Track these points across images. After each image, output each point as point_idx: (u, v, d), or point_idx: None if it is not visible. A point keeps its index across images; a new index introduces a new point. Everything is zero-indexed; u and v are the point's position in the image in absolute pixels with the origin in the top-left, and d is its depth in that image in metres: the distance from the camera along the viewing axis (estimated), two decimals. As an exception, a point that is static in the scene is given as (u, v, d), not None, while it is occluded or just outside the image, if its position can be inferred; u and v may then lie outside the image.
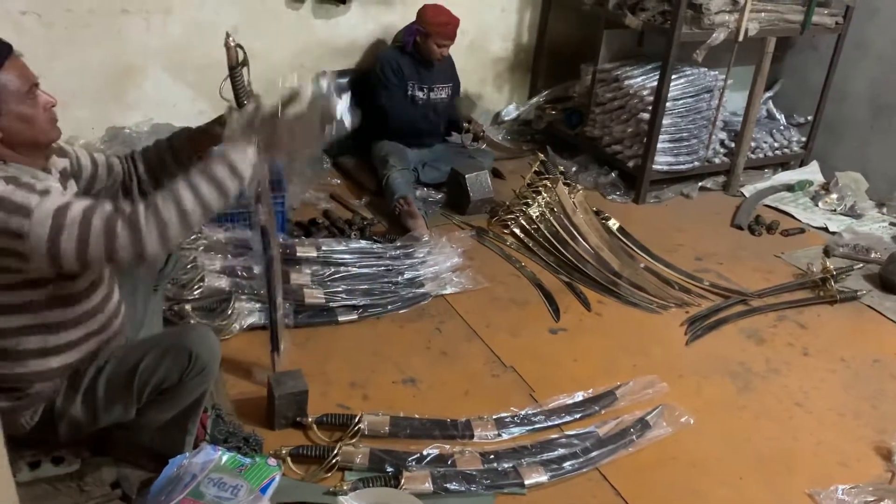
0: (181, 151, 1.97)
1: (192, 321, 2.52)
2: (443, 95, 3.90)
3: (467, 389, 2.48)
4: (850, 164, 4.32)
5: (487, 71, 4.61)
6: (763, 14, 3.86)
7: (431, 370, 2.55)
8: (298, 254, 2.91)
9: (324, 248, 2.99)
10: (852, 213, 4.02)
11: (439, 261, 3.11)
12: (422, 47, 3.73)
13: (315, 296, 2.76)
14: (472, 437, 2.24)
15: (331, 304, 2.76)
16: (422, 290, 2.95)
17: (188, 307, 2.55)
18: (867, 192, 4.18)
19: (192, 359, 1.73)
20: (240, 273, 2.73)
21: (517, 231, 3.48)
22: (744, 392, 2.60)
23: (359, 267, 2.96)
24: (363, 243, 3.11)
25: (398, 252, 3.11)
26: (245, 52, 1.94)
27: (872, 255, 3.51)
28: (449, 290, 2.99)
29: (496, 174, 3.99)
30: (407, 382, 2.48)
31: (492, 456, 2.16)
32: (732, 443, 2.35)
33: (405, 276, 2.99)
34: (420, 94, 3.82)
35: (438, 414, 2.31)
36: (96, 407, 1.74)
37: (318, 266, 2.90)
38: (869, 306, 3.19)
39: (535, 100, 4.63)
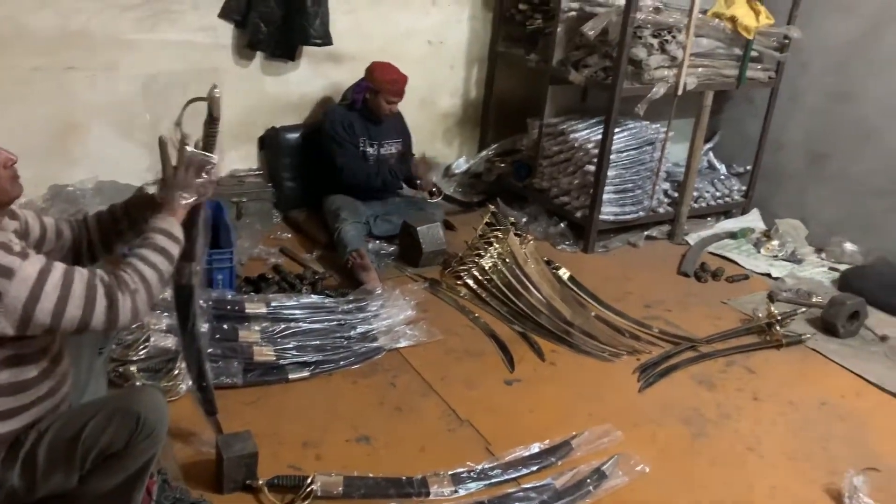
0: (138, 216, 1.94)
1: (138, 382, 2.44)
2: (392, 150, 3.94)
3: (423, 445, 2.44)
4: (790, 212, 4.47)
5: (438, 126, 4.69)
6: (700, 69, 4.02)
7: (386, 427, 2.51)
8: (247, 310, 2.86)
9: (274, 303, 2.95)
10: (793, 258, 4.15)
11: (392, 314, 3.09)
12: (371, 104, 3.77)
13: (265, 353, 2.70)
14: (428, 494, 2.20)
15: (281, 362, 2.70)
16: (375, 345, 2.92)
17: (133, 368, 2.47)
18: (806, 238, 4.32)
19: (139, 422, 1.67)
20: (178, 333, 2.66)
21: (470, 282, 3.49)
22: (698, 438, 2.62)
23: (310, 322, 2.92)
24: (314, 298, 3.08)
25: (350, 306, 3.09)
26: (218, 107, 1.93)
27: (814, 300, 3.62)
28: (403, 344, 2.97)
29: (448, 226, 4.02)
30: (361, 440, 2.43)
31: (448, 514, 2.12)
32: (688, 490, 2.35)
33: (358, 331, 2.96)
34: (370, 150, 3.85)
35: (394, 472, 2.26)
36: (35, 476, 1.66)
37: (267, 322, 2.85)
38: (813, 349, 3.27)
39: (484, 153, 4.70)
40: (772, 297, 3.66)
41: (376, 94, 3.73)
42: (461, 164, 4.76)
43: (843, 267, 4.03)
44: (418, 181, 4.01)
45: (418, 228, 3.62)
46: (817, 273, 4.02)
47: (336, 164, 3.76)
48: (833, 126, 4.28)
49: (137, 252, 1.67)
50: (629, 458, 2.42)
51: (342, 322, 2.98)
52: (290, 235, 3.88)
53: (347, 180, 3.77)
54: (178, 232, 1.76)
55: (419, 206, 3.96)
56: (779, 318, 3.31)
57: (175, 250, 1.73)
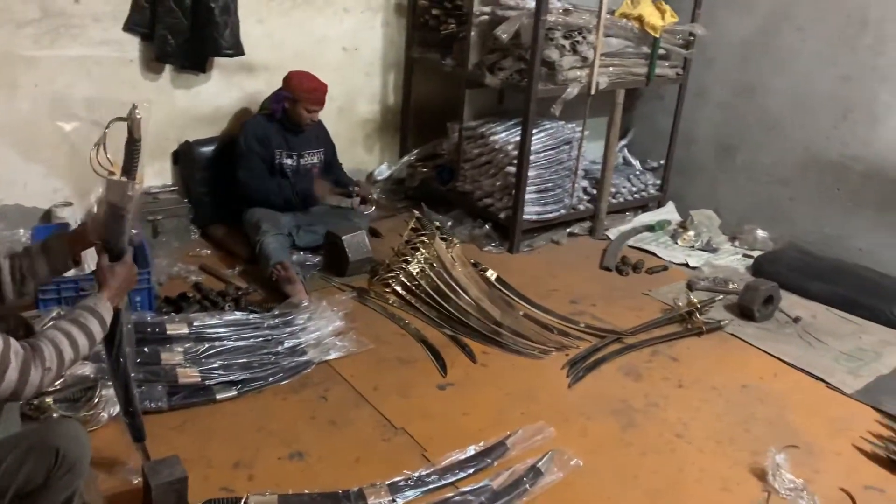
0: (56, 258, 1.88)
1: (55, 415, 2.33)
2: (314, 161, 3.89)
3: (358, 457, 2.42)
4: (703, 203, 4.63)
5: (357, 133, 4.66)
6: (611, 68, 4.13)
7: (319, 441, 2.47)
8: (169, 332, 2.77)
9: (196, 323, 2.86)
10: (709, 248, 4.30)
11: (321, 326, 3.05)
12: (291, 114, 3.71)
13: (189, 375, 2.62)
14: (365, 506, 2.18)
15: (207, 382, 2.63)
16: (304, 358, 2.87)
17: (49, 400, 2.35)
18: (720, 227, 4.48)
19: (58, 456, 1.60)
20: (104, 358, 2.56)
21: (398, 289, 3.47)
22: (627, 429, 2.68)
23: (235, 340, 2.85)
24: (239, 314, 3.01)
25: (277, 321, 3.03)
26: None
27: (730, 286, 3.75)
28: (333, 356, 2.93)
29: (373, 233, 4.00)
30: (294, 457, 2.39)
31: (387, 524, 2.10)
32: (621, 480, 2.40)
33: (286, 345, 2.90)
34: (289, 162, 3.79)
35: (329, 486, 2.23)
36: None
37: (190, 343, 2.77)
38: (732, 335, 3.39)
39: (406, 158, 4.70)
40: (690, 287, 3.78)
41: (295, 103, 3.68)
42: (383, 171, 4.74)
43: (755, 253, 4.20)
44: (355, 188, 3.97)
45: (343, 237, 3.58)
46: (732, 261, 4.18)
47: (237, 177, 3.69)
48: (739, 119, 4.47)
49: (63, 327, 1.66)
50: (563, 453, 2.45)
51: (269, 337, 2.92)
52: (209, 252, 3.78)
53: (246, 195, 3.70)
54: (108, 316, 1.77)
55: (343, 214, 3.92)
56: (698, 306, 3.43)
57: (100, 335, 1.74)
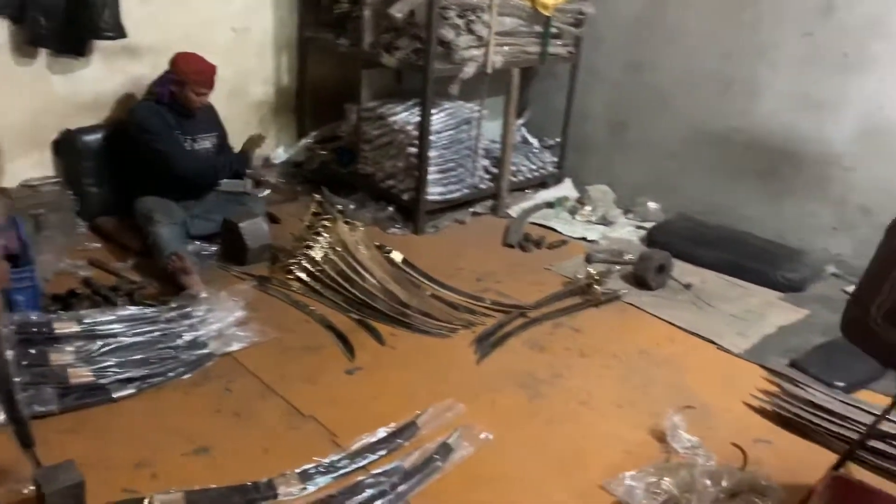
0: None
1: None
2: (207, 145, 3.75)
3: (266, 447, 2.37)
4: (599, 178, 4.76)
5: (251, 116, 4.53)
6: (506, 48, 4.16)
7: (225, 434, 2.41)
8: (57, 331, 2.62)
9: (87, 320, 2.72)
10: (605, 221, 4.43)
11: (221, 317, 2.96)
12: (179, 97, 3.56)
13: (81, 374, 2.49)
14: (275, 496, 2.13)
15: (102, 381, 2.50)
16: (205, 351, 2.78)
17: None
18: (615, 201, 4.63)
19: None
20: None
21: (302, 275, 3.41)
22: (534, 400, 2.74)
23: (131, 336, 2.73)
24: (133, 309, 2.88)
25: (174, 314, 2.92)
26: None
27: (626, 257, 3.89)
28: (235, 347, 2.85)
29: (272, 219, 3.90)
30: (199, 452, 2.32)
31: (299, 512, 2.08)
32: (530, 451, 2.46)
33: (185, 339, 2.80)
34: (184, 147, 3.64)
35: (238, 479, 2.18)
36: None
37: (82, 341, 2.62)
38: (629, 303, 3.52)
39: (304, 141, 4.61)
40: (589, 259, 3.90)
41: (183, 86, 3.53)
42: (281, 154, 4.64)
43: (648, 225, 4.37)
44: (247, 171, 3.86)
45: (241, 224, 3.49)
46: (627, 232, 4.33)
47: (160, 152, 3.49)
48: (630, 96, 4.61)
49: None
50: (473, 428, 2.49)
51: (166, 332, 2.81)
52: (99, 245, 3.60)
53: (177, 168, 3.53)
54: None
55: (239, 200, 3.81)
56: (597, 277, 3.54)
57: None
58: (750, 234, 4.11)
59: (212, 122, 3.81)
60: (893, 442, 2.39)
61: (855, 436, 2.44)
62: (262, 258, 3.55)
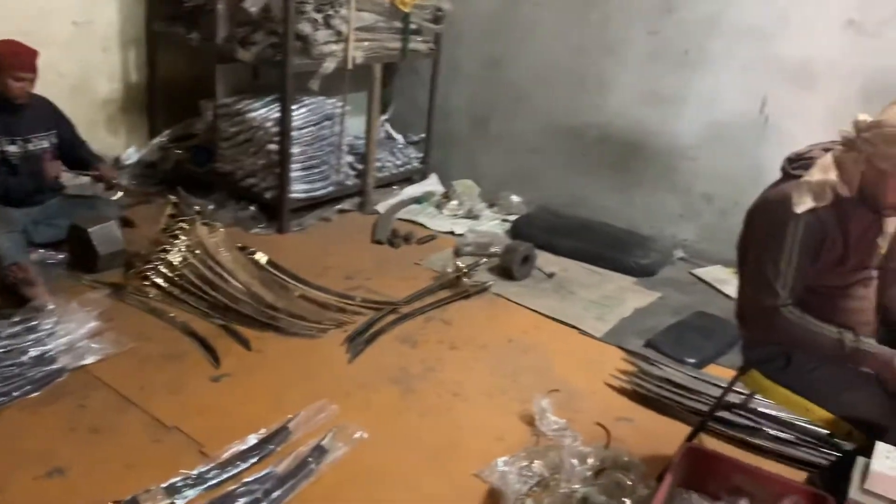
0: None
1: None
2: (45, 144, 3.43)
3: (128, 463, 2.24)
4: (463, 173, 4.85)
5: (98, 114, 4.26)
6: (366, 43, 4.14)
7: (82, 453, 2.26)
8: None
9: (-85, 340, 2.47)
10: (471, 215, 4.52)
11: (71, 329, 2.77)
12: None
13: None
14: (140, 514, 2.03)
15: (-65, 407, 2.28)
16: (55, 367, 2.59)
17: None
18: (480, 195, 4.72)
19: None
20: None
21: (160, 281, 3.24)
22: (407, 395, 2.75)
23: (-33, 355, 2.50)
24: (-31, 326, 2.64)
25: (18, 328, 2.71)
26: None
27: (492, 250, 3.98)
28: (89, 360, 2.68)
29: (125, 223, 3.68)
30: (54, 474, 2.16)
31: (167, 529, 1.98)
32: (405, 445, 2.47)
33: (31, 355, 2.60)
34: (13, 149, 3.31)
35: (98, 499, 2.05)
36: None
37: None
38: (497, 294, 3.61)
39: (156, 140, 4.40)
40: (457, 253, 3.96)
41: None
42: (132, 154, 4.39)
43: (512, 217, 4.49)
44: (96, 172, 3.56)
45: (90, 230, 3.27)
46: (493, 225, 4.44)
47: None
48: (490, 92, 4.72)
49: None
50: (347, 428, 2.46)
51: (9, 348, 2.60)
52: (-75, 257, 3.26)
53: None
54: None
55: (87, 204, 3.55)
56: (465, 270, 3.60)
57: None
58: (605, 224, 4.32)
59: (48, 119, 3.46)
60: (739, 412, 2.59)
61: (705, 408, 2.62)
62: (114, 265, 3.35)
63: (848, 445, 2.10)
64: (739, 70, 3.85)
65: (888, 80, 3.41)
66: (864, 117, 1.85)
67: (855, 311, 2.01)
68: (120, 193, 3.77)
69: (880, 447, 1.66)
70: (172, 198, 3.62)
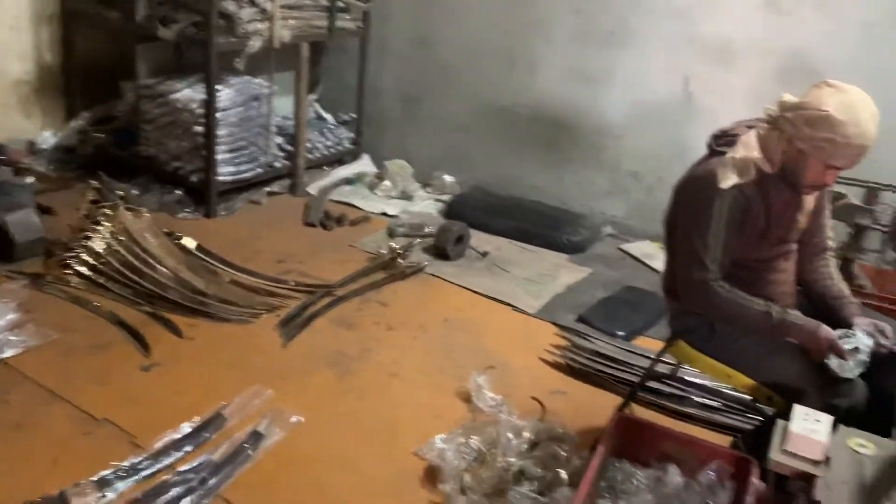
0: None
1: None
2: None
3: (55, 458, 2.18)
4: (396, 153, 4.82)
5: (9, 97, 4.06)
6: (292, 21, 4.06)
7: (4, 450, 2.18)
8: None
9: None
10: (405, 196, 4.51)
11: (-11, 322, 2.65)
12: None
13: None
14: (70, 510, 1.97)
15: None
16: (-29, 361, 2.48)
17: None
18: (413, 175, 4.71)
19: None
20: None
21: (83, 269, 3.13)
22: (344, 377, 2.75)
23: None
24: None
25: (-71, 323, 2.57)
26: None
27: (426, 230, 3.99)
28: (9, 353, 2.58)
29: (44, 210, 3.53)
30: (-27, 474, 2.08)
31: (99, 523, 1.94)
32: (343, 427, 2.47)
33: (-55, 350, 2.48)
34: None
35: (24, 497, 1.98)
36: None
37: None
38: (432, 274, 3.62)
39: (74, 123, 4.22)
40: (391, 234, 3.95)
41: None
42: (48, 138, 4.21)
43: (446, 197, 4.50)
44: (2, 157, 3.41)
45: (7, 218, 3.14)
46: (426, 206, 4.44)
47: None
48: (420, 71, 4.69)
49: None
50: (283, 412, 2.44)
51: (-79, 343, 2.47)
52: None
53: None
54: None
55: (3, 190, 3.39)
56: (399, 251, 3.60)
57: None
58: (537, 202, 4.37)
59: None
60: (667, 381, 2.68)
61: (635, 379, 2.70)
62: (33, 253, 3.22)
63: (769, 410, 2.20)
64: (663, 49, 3.93)
65: (803, 58, 3.55)
66: (789, 97, 1.91)
67: (777, 283, 2.10)
68: (31, 178, 3.60)
69: (798, 410, 1.74)
70: (94, 183, 3.49)
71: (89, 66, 4.27)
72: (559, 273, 3.76)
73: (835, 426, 1.71)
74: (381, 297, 3.36)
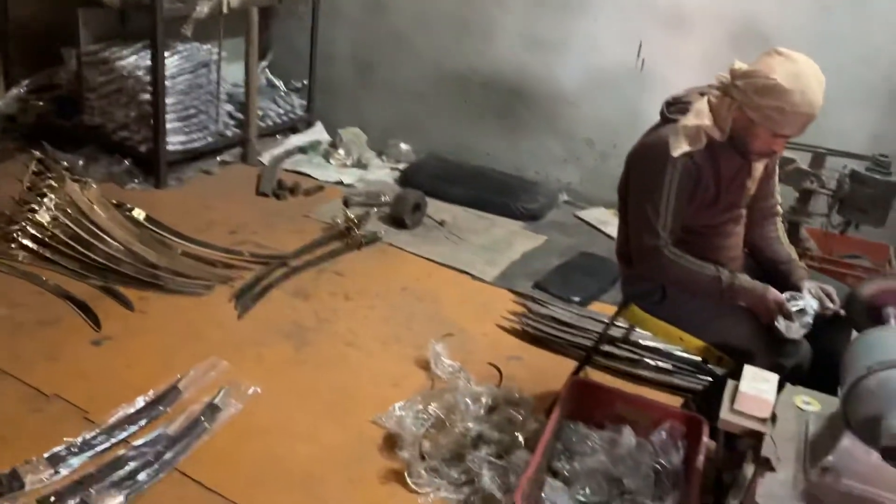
0: None
1: None
2: None
3: (4, 436, 2.13)
4: (350, 121, 4.75)
5: (-58, 63, 3.88)
6: (242, -14, 3.96)
7: (-51, 431, 2.12)
8: None
9: None
10: (360, 164, 4.46)
11: (-71, 298, 2.56)
12: None
13: None
14: (22, 486, 1.95)
15: None
16: (-88, 339, 2.40)
17: None
18: (368, 143, 4.66)
19: None
20: None
21: (28, 243, 3.04)
22: (301, 348, 2.73)
23: None
24: None
25: None
26: None
27: (383, 199, 3.96)
28: (-48, 330, 2.50)
29: (-17, 183, 3.42)
30: (-82, 455, 2.02)
31: (52, 499, 1.91)
32: (301, 398, 2.46)
33: None
34: None
35: (-29, 477, 1.94)
36: None
37: None
38: (389, 244, 3.60)
39: (13, 91, 4.05)
40: (346, 203, 3.91)
41: None
42: (-14, 108, 4.04)
43: (401, 166, 4.47)
44: None
45: (-57, 190, 3.01)
46: (382, 174, 4.40)
47: None
48: (373, 37, 4.61)
49: None
50: (240, 384, 2.43)
51: None
52: None
53: None
54: None
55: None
56: (355, 221, 3.57)
57: None
58: (492, 170, 4.37)
59: None
60: (621, 345, 2.73)
61: (590, 343, 2.74)
62: (-26, 227, 3.11)
63: (719, 371, 2.26)
64: (617, 15, 3.93)
65: (754, 24, 3.59)
66: (740, 65, 1.93)
67: (727, 247, 2.15)
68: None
69: (748, 370, 1.79)
70: (37, 154, 3.37)
71: (27, 30, 4.10)
72: (515, 240, 3.78)
73: (781, 385, 1.76)
74: (338, 268, 3.34)
